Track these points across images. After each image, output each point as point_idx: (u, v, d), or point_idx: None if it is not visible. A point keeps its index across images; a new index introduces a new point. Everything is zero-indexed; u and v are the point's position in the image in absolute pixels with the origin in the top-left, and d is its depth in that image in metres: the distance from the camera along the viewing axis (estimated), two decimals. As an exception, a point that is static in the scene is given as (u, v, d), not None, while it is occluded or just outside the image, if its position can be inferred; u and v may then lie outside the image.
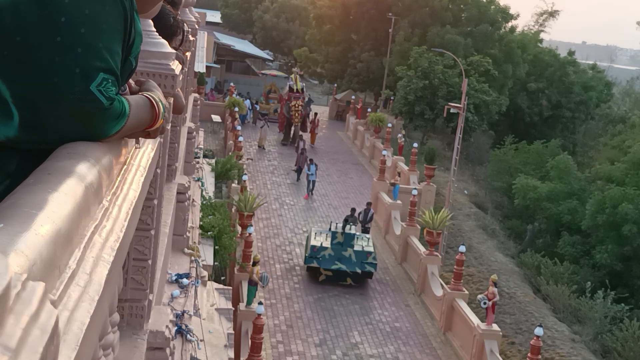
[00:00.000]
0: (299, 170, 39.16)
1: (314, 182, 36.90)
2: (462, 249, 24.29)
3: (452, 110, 35.66)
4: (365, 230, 30.16)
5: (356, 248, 26.54)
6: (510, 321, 26.42)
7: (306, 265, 26.82)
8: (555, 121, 55.58)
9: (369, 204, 31.44)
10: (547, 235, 39.69)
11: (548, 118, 55.55)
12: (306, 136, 46.45)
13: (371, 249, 26.81)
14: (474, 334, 21.71)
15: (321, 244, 26.62)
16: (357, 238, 27.06)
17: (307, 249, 26.86)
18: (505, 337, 24.64)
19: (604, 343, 27.09)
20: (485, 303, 21.64)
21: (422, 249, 27.51)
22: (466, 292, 24.44)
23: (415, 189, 31.25)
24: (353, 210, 30.20)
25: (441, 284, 25.42)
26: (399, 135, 43.20)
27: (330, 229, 27.75)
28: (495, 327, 21.90)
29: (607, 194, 35.12)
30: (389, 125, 43.88)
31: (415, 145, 38.48)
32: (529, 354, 19.09)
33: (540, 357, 19.18)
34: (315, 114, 48.04)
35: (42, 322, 0.97)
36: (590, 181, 40.30)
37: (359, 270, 26.37)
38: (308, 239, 27.86)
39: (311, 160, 37.20)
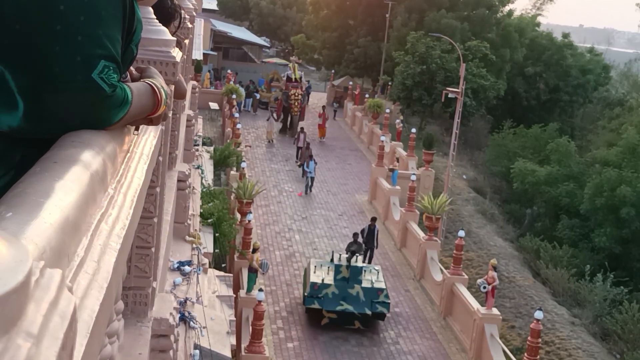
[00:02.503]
0: (303, 165, 37.14)
1: (312, 179, 35.25)
2: (461, 233, 24.32)
3: (450, 95, 35.63)
4: (370, 253, 26.85)
5: (364, 284, 22.53)
6: (510, 305, 26.49)
7: (306, 306, 22.61)
8: (553, 105, 55.56)
9: (373, 219, 27.68)
10: (546, 219, 39.75)
11: (546, 102, 55.52)
12: (309, 128, 46.26)
13: (382, 285, 22.82)
14: (474, 318, 21.77)
15: (322, 280, 22.48)
16: (365, 271, 23.13)
17: (306, 286, 22.82)
18: (505, 321, 24.72)
19: (604, 326, 27.18)
20: (484, 287, 21.68)
21: (421, 234, 27.53)
22: (466, 276, 24.49)
23: (413, 174, 31.24)
24: (356, 235, 25.35)
25: (441, 269, 25.47)
26: (397, 120, 43.15)
27: (332, 260, 23.84)
28: (495, 311, 21.96)
29: (605, 176, 35.16)
30: (387, 111, 43.82)
31: (414, 130, 38.46)
32: (529, 338, 19.15)
33: (540, 340, 19.25)
34: (324, 107, 47.15)
35: (61, 308, 0.97)
36: (588, 165, 40.34)
37: (368, 312, 22.23)
38: (306, 273, 23.71)
39: (311, 156, 35.50)
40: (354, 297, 22.30)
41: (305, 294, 22.49)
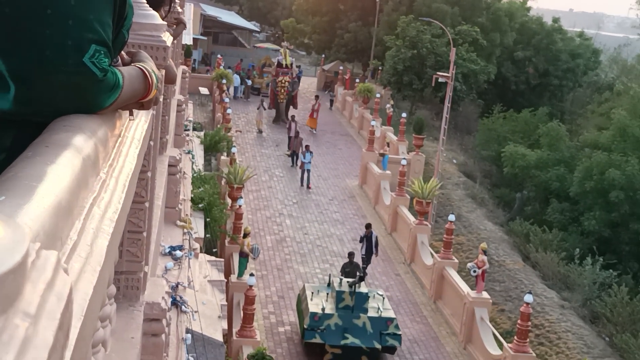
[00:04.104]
0: (293, 155, 36.71)
1: (309, 171, 33.95)
2: (452, 217, 24.39)
3: (440, 80, 35.63)
4: (368, 261, 24.85)
5: (371, 313, 19.70)
6: (500, 289, 26.63)
7: (305, 340, 19.73)
8: (542, 89, 55.64)
9: (368, 227, 25.55)
10: (536, 202, 39.91)
11: (536, 86, 55.59)
12: (301, 116, 46.11)
13: (391, 313, 20.08)
14: (464, 302, 21.88)
15: (323, 309, 19.58)
16: (369, 297, 20.19)
17: (305, 317, 19.84)
18: (495, 305, 24.85)
19: (593, 309, 27.36)
20: (475, 271, 21.78)
21: (411, 218, 27.60)
22: (456, 260, 24.59)
23: (404, 159, 31.29)
24: (351, 255, 22.80)
25: (431, 253, 25.55)
26: (388, 105, 43.17)
27: (329, 284, 20.95)
28: (485, 294, 22.08)
29: (594, 160, 35.28)
30: (378, 95, 43.80)
31: (404, 115, 38.48)
32: (518, 321, 19.28)
33: (529, 323, 19.39)
34: (317, 96, 46.67)
35: (57, 289, 0.98)
36: (578, 149, 40.46)
37: (378, 346, 19.45)
38: (300, 300, 20.94)
39: (307, 147, 34.33)
40: (360, 328, 19.47)
41: (305, 326, 19.45)
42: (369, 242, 24.94)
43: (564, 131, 41.27)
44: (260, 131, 42.49)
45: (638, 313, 26.00)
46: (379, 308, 19.91)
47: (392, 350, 20.04)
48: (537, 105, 49.20)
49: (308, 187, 33.79)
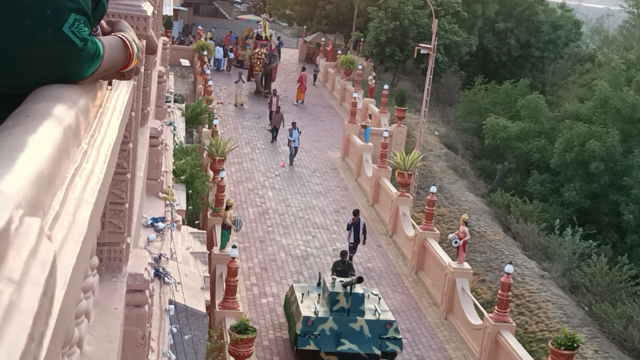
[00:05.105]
0: (274, 130, 36.16)
1: (296, 148, 33.35)
2: (433, 189, 24.48)
3: (422, 52, 35.54)
4: (354, 249, 23.90)
5: (368, 316, 18.28)
6: (481, 259, 26.84)
7: (298, 347, 18.12)
8: (524, 61, 55.67)
9: (356, 213, 24.39)
10: (517, 174, 40.12)
11: (517, 58, 55.61)
12: (282, 88, 45.93)
13: (389, 316, 18.68)
14: (446, 273, 22.05)
15: (316, 311, 18.15)
16: (365, 298, 18.81)
17: (296, 321, 18.30)
18: (476, 275, 25.05)
19: (573, 279, 27.64)
20: (456, 242, 21.92)
21: (393, 190, 27.69)
22: (437, 231, 24.74)
23: (386, 130, 31.32)
24: (344, 254, 21.42)
25: (413, 225, 25.68)
26: (370, 77, 43.10)
27: (319, 284, 19.60)
28: (466, 265, 22.25)
29: (575, 132, 35.44)
30: (360, 67, 43.67)
31: (386, 87, 38.44)
32: (499, 291, 19.44)
33: (510, 293, 19.56)
34: (303, 68, 46.35)
35: (41, 256, 0.98)
36: (559, 120, 40.62)
37: (377, 352, 18.07)
38: (288, 302, 19.54)
39: (294, 124, 33.78)
40: (357, 333, 18.02)
41: (298, 332, 17.93)
42: (356, 229, 23.91)
43: (543, 103, 41.37)
44: (240, 104, 41.93)
45: (617, 283, 26.31)
46: (376, 310, 18.44)
47: (392, 355, 18.50)
48: (519, 77, 49.25)
49: (291, 165, 33.35)
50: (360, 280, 18.25)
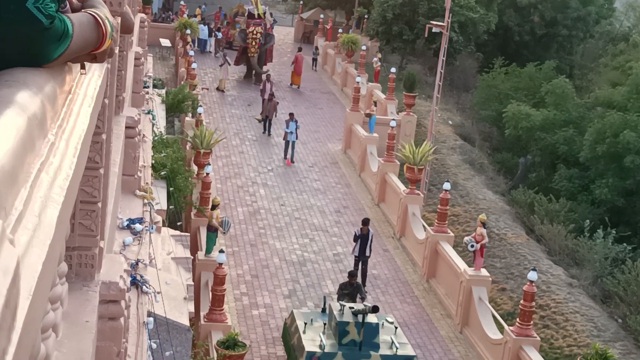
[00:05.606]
0: (266, 121, 35.93)
1: (293, 143, 32.89)
2: (447, 186, 24.48)
3: (434, 30, 35.55)
4: (364, 266, 23.19)
5: (384, 350, 17.10)
6: (501, 265, 26.86)
7: None
8: (549, 40, 55.65)
9: (366, 222, 23.52)
10: (542, 169, 40.14)
11: (542, 37, 55.60)
12: (276, 71, 45.86)
13: (409, 350, 17.61)
14: (461, 280, 22.06)
15: (321, 346, 16.95)
16: (380, 327, 17.60)
17: (298, 356, 17.26)
18: (495, 283, 25.08)
19: (604, 287, 27.65)
20: (472, 246, 21.93)
21: (401, 187, 27.70)
22: (451, 234, 24.74)
23: (393, 119, 31.31)
24: (353, 276, 20.50)
25: (423, 226, 25.69)
26: (375, 59, 43.10)
27: (324, 309, 18.46)
28: (484, 272, 22.26)
29: (607, 121, 35.43)
30: (363, 47, 43.67)
31: (393, 70, 38.42)
32: (521, 301, 19.45)
33: (533, 304, 19.57)
34: (299, 48, 46.27)
35: (2, 262, 0.98)
36: (589, 108, 40.62)
37: None
38: (288, 332, 18.54)
39: (291, 115, 33.27)
40: None
41: None
42: (363, 242, 23.10)
43: (571, 88, 41.37)
44: (221, 90, 41.76)
45: (654, 291, 26.34)
46: (392, 342, 17.33)
47: None
48: (543, 59, 49.25)
49: (292, 162, 32.90)
50: (375, 309, 17.32)
